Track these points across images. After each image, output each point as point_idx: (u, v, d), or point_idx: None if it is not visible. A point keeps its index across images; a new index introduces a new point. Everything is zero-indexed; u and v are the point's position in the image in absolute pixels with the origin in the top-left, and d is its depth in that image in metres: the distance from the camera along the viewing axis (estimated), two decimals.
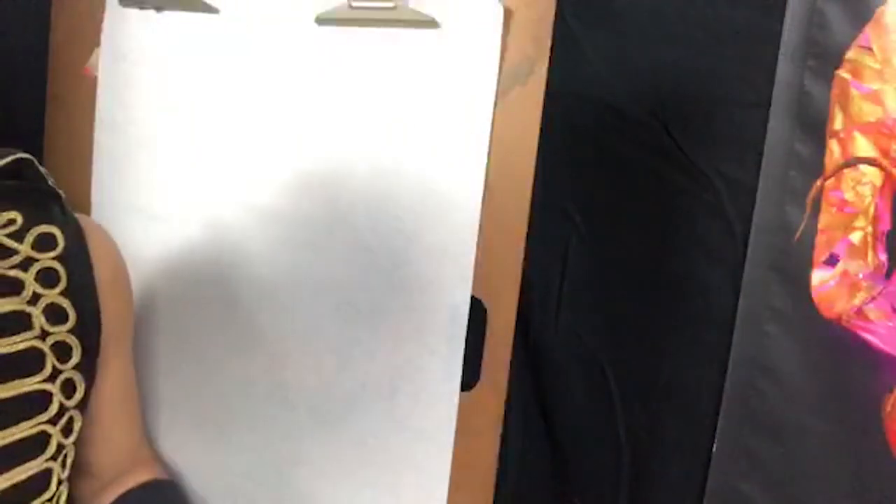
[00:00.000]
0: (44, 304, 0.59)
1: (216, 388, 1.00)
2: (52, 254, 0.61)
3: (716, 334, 0.82)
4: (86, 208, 1.05)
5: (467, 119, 0.86)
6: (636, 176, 0.87)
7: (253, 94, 0.95)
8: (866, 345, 0.74)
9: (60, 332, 0.60)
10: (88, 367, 0.63)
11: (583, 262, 0.90)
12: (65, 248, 0.62)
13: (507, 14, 0.84)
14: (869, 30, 0.72)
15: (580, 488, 0.93)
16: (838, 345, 0.75)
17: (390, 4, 0.85)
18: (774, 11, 0.76)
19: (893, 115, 0.71)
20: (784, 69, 0.76)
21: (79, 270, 0.63)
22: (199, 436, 1.02)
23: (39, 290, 0.59)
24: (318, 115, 0.92)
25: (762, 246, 0.79)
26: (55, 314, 0.60)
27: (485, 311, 0.89)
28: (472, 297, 0.87)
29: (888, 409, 0.73)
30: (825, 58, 0.74)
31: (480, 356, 0.89)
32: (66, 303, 0.61)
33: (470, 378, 0.89)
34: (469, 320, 0.87)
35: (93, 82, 1.04)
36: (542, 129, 0.86)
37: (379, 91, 0.89)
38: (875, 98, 0.72)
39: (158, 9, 0.99)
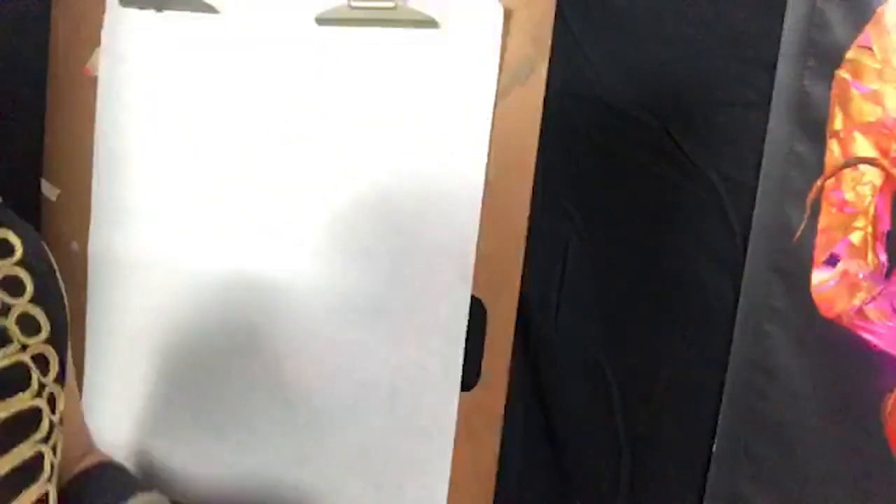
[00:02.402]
0: (16, 315, 0.55)
1: (217, 389, 1.00)
2: (12, 259, 0.56)
3: (716, 334, 0.82)
4: (86, 208, 1.05)
5: (467, 119, 0.86)
6: (636, 176, 0.86)
7: (253, 93, 0.95)
8: (866, 345, 0.74)
9: (37, 343, 0.56)
10: (63, 378, 0.59)
11: (583, 262, 0.90)
12: (24, 252, 0.57)
13: (507, 14, 0.84)
14: (869, 30, 0.72)
15: (580, 488, 0.93)
16: (838, 345, 0.75)
17: (390, 4, 0.85)
18: (774, 11, 0.76)
19: (893, 115, 0.71)
20: (784, 69, 0.76)
21: (43, 275, 0.59)
22: (200, 436, 1.02)
23: (8, 299, 0.54)
24: (317, 115, 0.92)
25: (762, 246, 0.79)
26: (28, 324, 0.56)
27: (485, 310, 0.89)
28: (472, 297, 0.87)
29: (888, 409, 0.73)
30: (825, 58, 0.74)
31: (480, 356, 0.89)
32: (37, 311, 0.57)
33: (470, 378, 0.89)
34: (469, 320, 0.87)
35: (93, 82, 1.04)
36: (542, 129, 0.86)
37: (379, 91, 0.89)
38: (875, 98, 0.72)
39: (158, 9, 0.99)
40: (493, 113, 0.85)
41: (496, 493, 0.93)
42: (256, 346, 0.97)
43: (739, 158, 0.80)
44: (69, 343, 0.64)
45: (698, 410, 0.84)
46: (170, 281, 1.01)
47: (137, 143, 1.02)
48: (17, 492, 0.52)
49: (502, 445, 0.92)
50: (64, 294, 0.62)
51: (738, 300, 0.81)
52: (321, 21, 0.90)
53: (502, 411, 0.90)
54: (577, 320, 0.91)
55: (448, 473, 0.90)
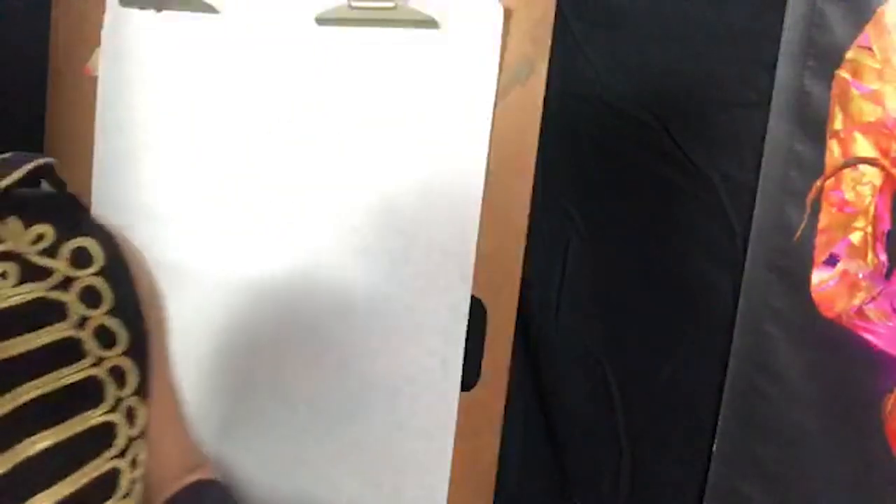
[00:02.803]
0: (92, 327, 0.54)
1: (216, 389, 1.00)
2: (92, 269, 0.55)
3: (716, 334, 0.82)
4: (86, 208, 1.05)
5: (467, 119, 0.86)
6: (636, 176, 0.86)
7: (253, 93, 0.95)
8: (866, 345, 0.74)
9: (114, 355, 0.55)
10: (145, 391, 0.58)
11: (583, 262, 0.90)
12: (105, 261, 0.56)
13: (507, 14, 0.84)
14: (869, 30, 0.72)
15: (580, 488, 0.93)
16: (838, 345, 0.75)
17: (390, 4, 0.86)
18: (774, 11, 0.76)
19: (893, 115, 0.71)
20: (784, 69, 0.76)
21: (122, 286, 0.57)
22: (200, 437, 1.02)
23: (85, 311, 0.53)
24: (318, 115, 0.92)
25: (762, 246, 0.79)
26: (105, 337, 0.54)
27: (485, 310, 0.89)
28: (472, 297, 0.87)
29: (888, 409, 0.73)
30: (825, 58, 0.74)
31: (480, 356, 0.89)
32: (114, 323, 0.55)
33: (470, 378, 0.89)
34: (469, 320, 0.87)
35: (93, 82, 1.04)
36: (542, 129, 0.86)
37: (379, 91, 0.89)
38: (875, 98, 0.72)
39: (158, 9, 0.99)
40: (493, 113, 0.85)
41: (496, 493, 0.93)
42: (256, 346, 0.97)
43: (739, 158, 0.80)
44: (161, 355, 0.63)
45: (698, 410, 0.84)
46: (169, 281, 1.01)
47: (137, 143, 1.02)
48: None
49: (502, 445, 0.92)
50: (145, 304, 0.60)
51: (738, 300, 0.81)
52: (321, 21, 0.90)
53: (502, 411, 0.90)
54: (577, 320, 0.91)
55: (448, 473, 0.90)
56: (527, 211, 0.87)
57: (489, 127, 0.85)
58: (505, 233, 0.87)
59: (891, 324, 0.73)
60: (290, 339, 0.95)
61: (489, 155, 0.86)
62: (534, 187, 0.87)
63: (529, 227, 0.88)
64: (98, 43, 1.03)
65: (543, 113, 0.85)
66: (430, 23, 0.85)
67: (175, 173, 1.00)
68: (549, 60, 0.85)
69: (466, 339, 0.88)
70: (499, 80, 0.85)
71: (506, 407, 0.91)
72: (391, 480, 0.92)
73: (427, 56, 0.87)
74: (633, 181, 0.87)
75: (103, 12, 1.02)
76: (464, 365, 0.88)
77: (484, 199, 0.86)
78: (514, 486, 0.95)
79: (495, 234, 0.87)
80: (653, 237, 0.86)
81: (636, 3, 0.84)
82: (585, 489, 0.92)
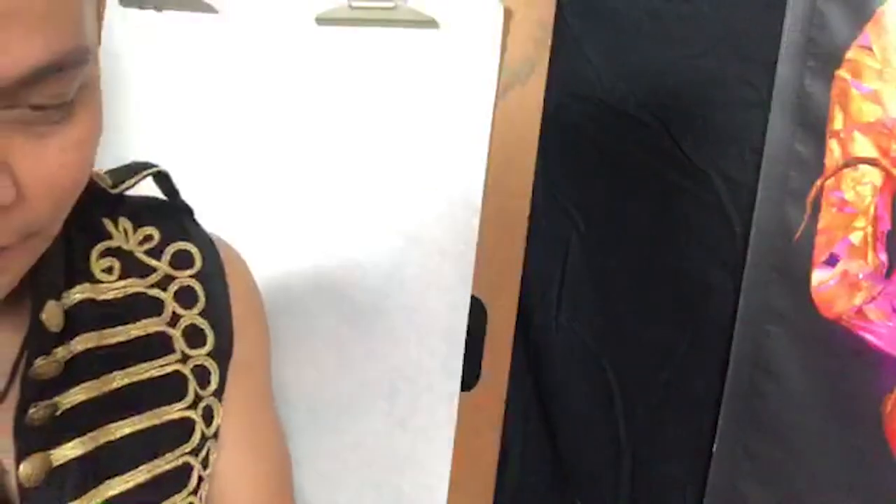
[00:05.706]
0: (183, 326, 0.56)
1: None
2: (190, 272, 0.58)
3: (716, 334, 0.82)
4: None
5: (467, 119, 0.86)
6: (636, 176, 0.87)
7: (253, 94, 0.95)
8: (866, 345, 0.74)
9: (199, 355, 0.57)
10: (222, 394, 0.59)
11: (583, 262, 0.90)
12: (202, 265, 0.59)
13: (507, 14, 0.84)
14: (869, 30, 0.72)
15: (580, 488, 0.93)
16: (838, 345, 0.75)
17: (390, 4, 0.86)
18: (774, 11, 0.76)
19: (893, 115, 0.71)
20: (784, 69, 0.76)
21: (216, 290, 0.59)
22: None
23: (179, 310, 0.56)
24: (317, 115, 0.92)
25: (762, 246, 0.79)
26: (194, 336, 0.56)
27: (485, 310, 0.89)
28: (472, 297, 0.87)
29: (888, 409, 0.73)
30: (825, 58, 0.74)
31: (480, 356, 0.89)
32: (204, 324, 0.57)
33: (470, 378, 0.89)
34: (469, 320, 0.88)
35: None
36: (542, 129, 0.86)
37: (379, 91, 0.89)
38: (875, 98, 0.72)
39: (158, 9, 0.99)
40: (493, 113, 0.85)
41: (496, 493, 0.93)
42: None
43: (739, 158, 0.80)
44: (245, 367, 0.61)
45: (698, 410, 0.84)
46: None
47: (137, 143, 1.02)
48: (160, 499, 0.52)
49: (502, 445, 0.92)
50: (235, 312, 0.60)
51: (738, 300, 0.81)
52: (321, 21, 0.90)
53: (502, 411, 0.90)
54: (577, 320, 0.91)
55: (448, 473, 0.90)
56: (527, 211, 0.87)
57: (489, 127, 0.85)
58: (505, 233, 0.87)
59: (891, 324, 0.73)
60: (289, 339, 0.95)
61: (489, 155, 0.86)
62: (534, 187, 0.87)
63: (529, 227, 0.88)
64: (98, 43, 1.03)
65: (543, 113, 0.85)
66: (430, 23, 0.85)
67: (174, 173, 1.00)
68: (549, 60, 0.85)
69: (466, 339, 0.88)
70: (499, 80, 0.85)
71: (506, 407, 0.91)
72: (391, 480, 0.92)
73: (427, 56, 0.87)
74: (633, 181, 0.87)
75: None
76: (464, 365, 0.88)
77: (484, 199, 0.86)
78: (514, 486, 0.95)
79: (495, 234, 0.87)
80: (653, 237, 0.87)
81: (636, 3, 0.84)
82: (585, 489, 0.92)
